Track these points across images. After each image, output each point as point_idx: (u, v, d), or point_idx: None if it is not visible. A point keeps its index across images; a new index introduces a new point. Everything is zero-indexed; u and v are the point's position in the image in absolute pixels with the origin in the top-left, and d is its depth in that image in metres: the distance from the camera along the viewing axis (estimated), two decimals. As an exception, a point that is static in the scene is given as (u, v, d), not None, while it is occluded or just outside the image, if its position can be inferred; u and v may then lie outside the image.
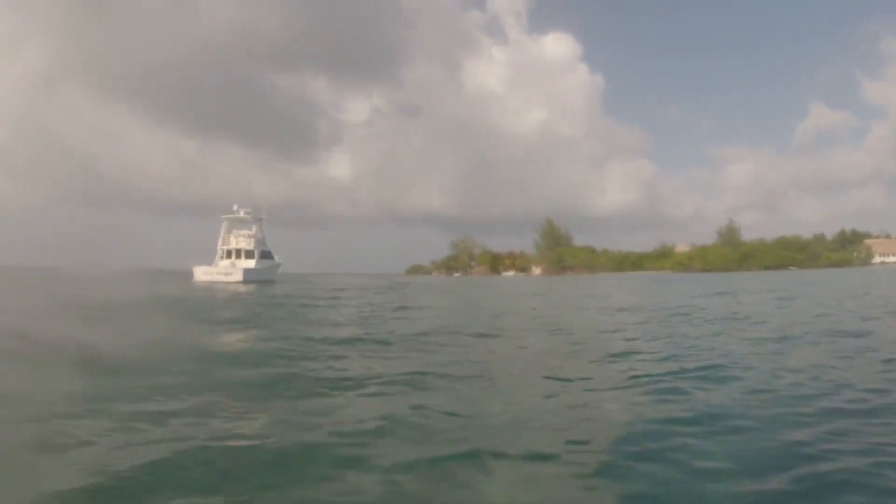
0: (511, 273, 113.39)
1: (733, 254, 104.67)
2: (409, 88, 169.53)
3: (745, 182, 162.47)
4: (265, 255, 54.27)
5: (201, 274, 49.76)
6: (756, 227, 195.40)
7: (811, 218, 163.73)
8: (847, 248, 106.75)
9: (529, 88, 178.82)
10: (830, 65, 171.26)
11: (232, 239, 53.32)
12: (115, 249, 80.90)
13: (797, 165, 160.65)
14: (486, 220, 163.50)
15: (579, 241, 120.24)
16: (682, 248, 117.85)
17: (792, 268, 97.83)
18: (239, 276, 48.47)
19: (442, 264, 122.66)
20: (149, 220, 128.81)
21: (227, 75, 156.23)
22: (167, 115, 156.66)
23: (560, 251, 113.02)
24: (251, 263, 51.74)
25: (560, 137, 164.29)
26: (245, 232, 53.96)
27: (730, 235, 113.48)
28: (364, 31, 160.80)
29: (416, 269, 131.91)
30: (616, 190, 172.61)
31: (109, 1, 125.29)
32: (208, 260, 52.35)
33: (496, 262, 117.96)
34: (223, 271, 49.63)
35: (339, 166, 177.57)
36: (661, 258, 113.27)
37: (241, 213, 53.93)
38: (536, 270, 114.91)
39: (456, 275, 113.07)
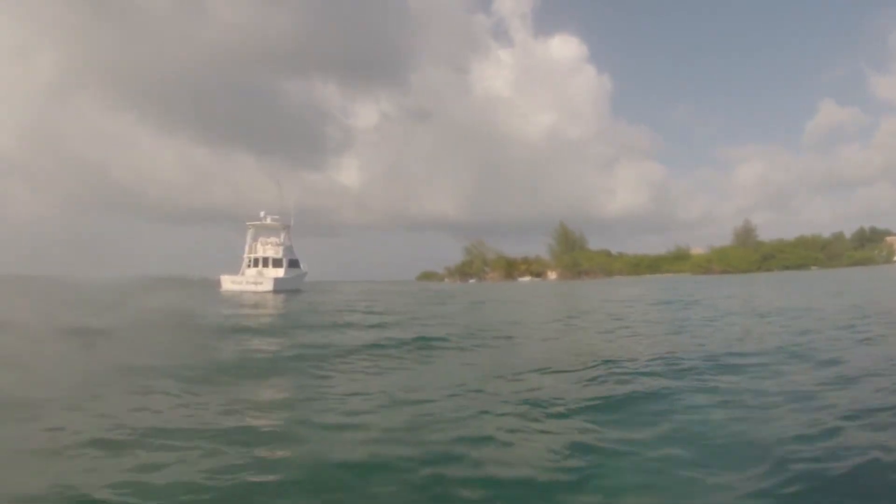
0: (527, 278, 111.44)
1: (753, 255, 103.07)
2: (417, 93, 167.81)
3: (754, 182, 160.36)
4: (293, 263, 52.17)
5: (229, 283, 47.76)
6: (766, 228, 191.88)
7: (821, 217, 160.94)
8: (866, 246, 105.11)
9: (537, 91, 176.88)
10: (838, 61, 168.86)
11: (259, 247, 51.22)
12: (127, 258, 79.00)
13: (807, 164, 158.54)
14: (496, 225, 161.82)
15: (590, 244, 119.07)
16: (696, 250, 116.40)
17: (813, 268, 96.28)
18: (269, 286, 46.34)
19: (456, 270, 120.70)
20: (161, 228, 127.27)
21: (236, 82, 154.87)
22: (177, 122, 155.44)
23: (576, 255, 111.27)
24: (280, 272, 49.61)
25: (568, 140, 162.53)
26: (273, 239, 51.87)
27: (746, 236, 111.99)
28: (372, 35, 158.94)
29: (427, 276, 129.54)
30: (625, 192, 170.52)
31: (118, 10, 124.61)
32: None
33: (511, 268, 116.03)
34: (252, 280, 47.50)
35: (348, 172, 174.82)
36: (678, 261, 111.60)
37: (268, 220, 51.90)
38: (552, 275, 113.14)
39: (471, 281, 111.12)
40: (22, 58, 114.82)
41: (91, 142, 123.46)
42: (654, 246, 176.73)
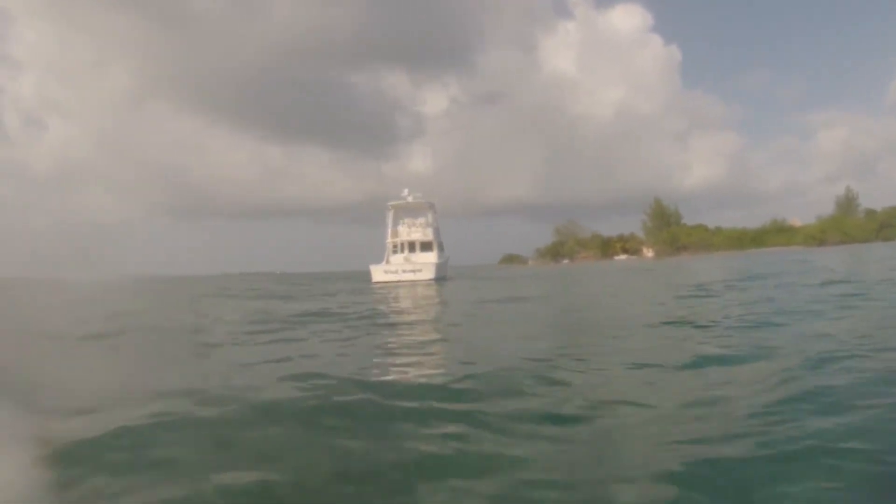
0: (623, 257, 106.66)
1: (870, 223, 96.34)
2: (484, 76, 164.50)
3: (837, 148, 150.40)
4: (441, 246, 47.26)
5: (381, 273, 42.25)
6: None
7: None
8: None
9: (603, 66, 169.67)
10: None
11: (403, 230, 46.37)
12: (210, 256, 76.89)
13: (891, 126, 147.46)
14: (569, 206, 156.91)
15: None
16: (794, 221, 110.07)
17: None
18: (430, 273, 41.34)
19: (546, 252, 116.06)
20: (239, 225, 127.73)
21: (303, 77, 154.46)
22: (249, 122, 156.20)
23: (674, 231, 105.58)
24: (432, 257, 44.72)
25: (639, 115, 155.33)
26: (421, 220, 47.04)
27: (849, 205, 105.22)
28: (436, 19, 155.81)
29: (510, 259, 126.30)
30: (701, 166, 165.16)
31: (183, 17, 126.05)
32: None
33: (606, 247, 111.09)
34: (410, 268, 42.50)
35: (419, 160, 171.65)
36: (783, 233, 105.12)
37: (411, 199, 47.02)
38: (648, 253, 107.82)
39: (564, 262, 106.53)
40: (98, 70, 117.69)
41: (167, 146, 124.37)
42: (734, 220, 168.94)
